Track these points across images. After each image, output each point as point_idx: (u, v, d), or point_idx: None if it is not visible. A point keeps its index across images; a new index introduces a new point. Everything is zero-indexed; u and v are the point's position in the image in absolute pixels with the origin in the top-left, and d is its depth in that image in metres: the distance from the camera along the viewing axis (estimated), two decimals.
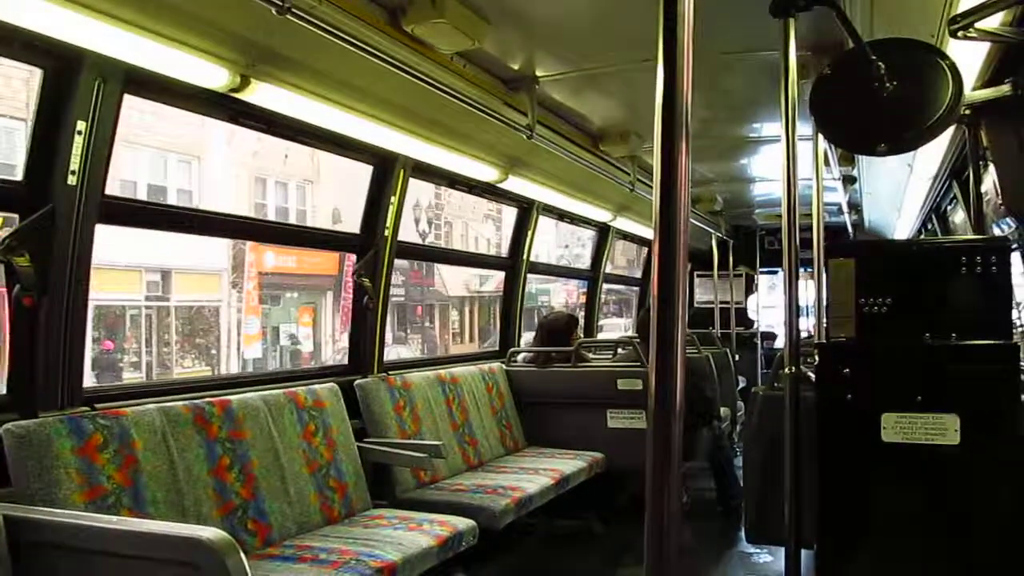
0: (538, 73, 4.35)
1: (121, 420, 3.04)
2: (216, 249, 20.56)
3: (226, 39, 2.97)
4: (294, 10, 2.78)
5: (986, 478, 2.48)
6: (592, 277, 8.23)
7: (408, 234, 21.51)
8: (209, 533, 2.26)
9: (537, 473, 4.84)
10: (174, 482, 3.13)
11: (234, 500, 3.35)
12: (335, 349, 23.70)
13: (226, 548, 2.21)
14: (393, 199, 4.65)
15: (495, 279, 29.82)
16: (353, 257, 4.68)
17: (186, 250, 18.21)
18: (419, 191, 24.22)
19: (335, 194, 23.11)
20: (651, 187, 1.20)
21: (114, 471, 2.93)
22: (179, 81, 3.05)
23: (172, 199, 19.28)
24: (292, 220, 23.35)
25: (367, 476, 4.11)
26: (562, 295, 30.18)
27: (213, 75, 3.04)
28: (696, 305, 10.55)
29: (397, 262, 4.84)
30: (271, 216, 22.51)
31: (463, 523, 3.73)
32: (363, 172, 4.66)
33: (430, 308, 30.35)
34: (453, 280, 29.36)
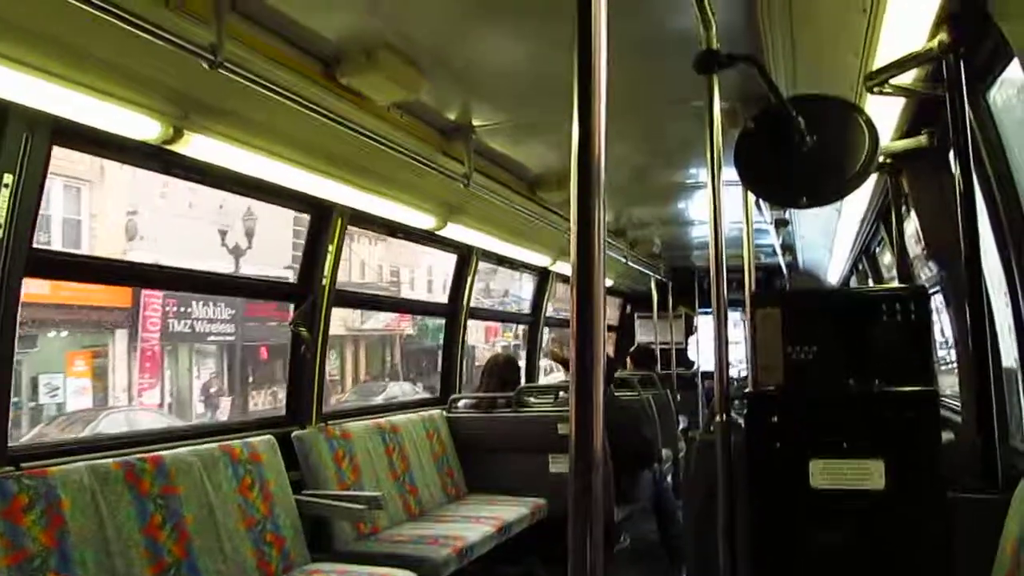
0: (474, 122, 4.41)
1: (48, 479, 2.95)
2: None
3: (158, 92, 2.95)
4: (226, 63, 2.78)
5: (910, 519, 2.54)
6: (533, 321, 8.26)
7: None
8: None
9: (479, 521, 4.81)
10: (104, 542, 3.04)
11: (167, 559, 3.27)
12: (134, 404, 18.94)
13: None
14: (331, 248, 4.63)
15: (381, 316, 25.49)
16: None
17: None
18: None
19: (129, 200, 18.64)
20: None
21: (40, 533, 2.84)
22: (111, 133, 3.02)
23: None
24: (56, 232, 17.21)
25: (306, 529, 4.04)
26: (480, 333, 26.88)
27: (145, 127, 3.01)
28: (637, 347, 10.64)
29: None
30: None
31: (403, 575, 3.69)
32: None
33: (285, 350, 24.26)
34: None
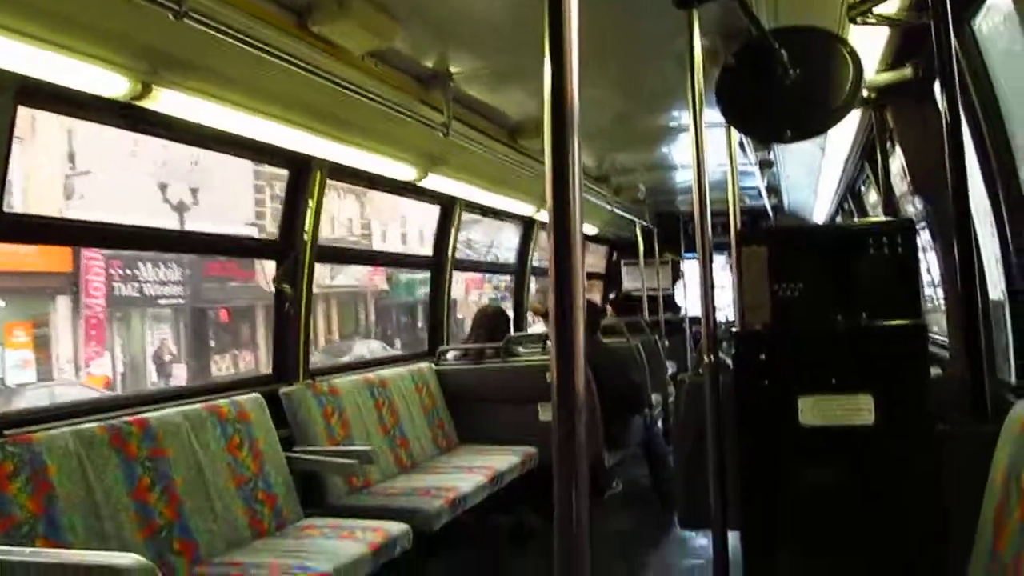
0: (452, 69, 4.31)
1: (32, 446, 2.92)
2: None
3: (124, 46, 2.86)
4: (192, 14, 2.69)
5: (900, 454, 2.54)
6: (519, 271, 8.22)
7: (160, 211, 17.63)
8: (128, 560, 2.20)
9: (471, 471, 4.82)
10: (92, 507, 3.02)
11: (158, 521, 3.26)
12: (82, 376, 17.56)
13: (146, 574, 2.16)
14: (311, 202, 4.57)
15: (351, 272, 24.00)
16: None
17: None
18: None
19: (66, 156, 17.21)
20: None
21: (26, 499, 2.81)
22: (77, 91, 2.93)
23: None
24: None
25: (297, 486, 4.04)
26: (460, 285, 24.62)
27: (112, 83, 2.91)
28: (617, 294, 10.64)
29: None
30: None
31: (397, 528, 3.69)
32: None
33: (250, 312, 22.03)
34: None
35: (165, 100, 3.12)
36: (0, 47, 2.53)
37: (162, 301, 20.28)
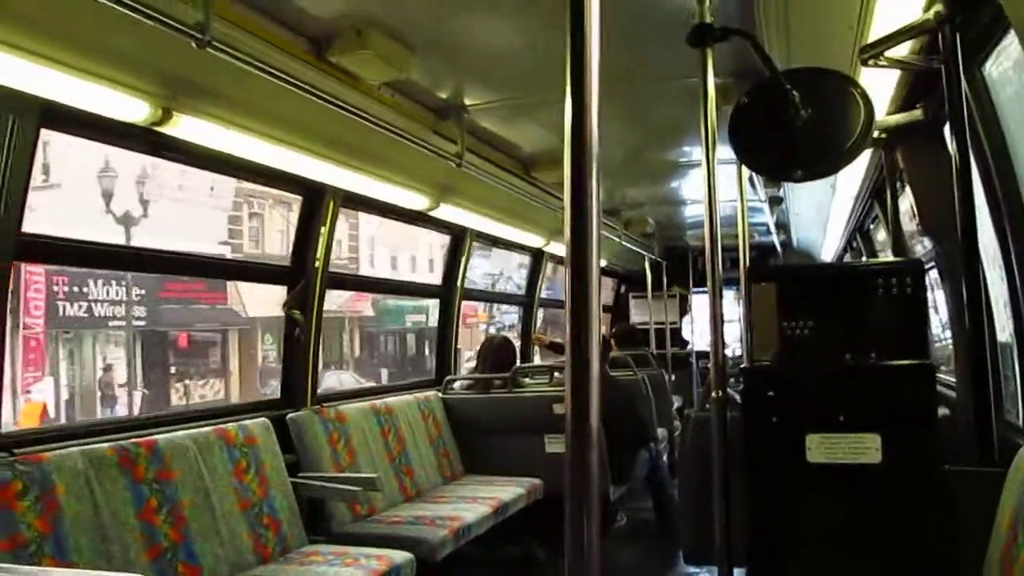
0: (467, 102, 4.37)
1: (42, 465, 2.93)
2: None
3: (146, 72, 2.91)
4: (215, 43, 2.74)
5: (907, 493, 2.54)
6: (527, 302, 8.25)
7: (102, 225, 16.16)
8: None
9: (475, 501, 4.81)
10: (99, 527, 3.03)
11: (163, 543, 3.26)
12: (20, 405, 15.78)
13: None
14: (323, 230, 4.61)
15: (331, 296, 24.19)
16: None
17: None
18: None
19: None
20: None
21: (34, 518, 2.82)
22: (99, 115, 2.98)
23: None
24: None
25: (302, 511, 4.04)
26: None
27: (134, 109, 2.96)
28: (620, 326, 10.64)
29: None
30: None
31: (400, 556, 3.68)
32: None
33: (221, 336, 20.71)
34: (257, 296, 18.76)
35: (185, 126, 3.18)
36: (22, 70, 2.57)
37: (112, 323, 18.63)
